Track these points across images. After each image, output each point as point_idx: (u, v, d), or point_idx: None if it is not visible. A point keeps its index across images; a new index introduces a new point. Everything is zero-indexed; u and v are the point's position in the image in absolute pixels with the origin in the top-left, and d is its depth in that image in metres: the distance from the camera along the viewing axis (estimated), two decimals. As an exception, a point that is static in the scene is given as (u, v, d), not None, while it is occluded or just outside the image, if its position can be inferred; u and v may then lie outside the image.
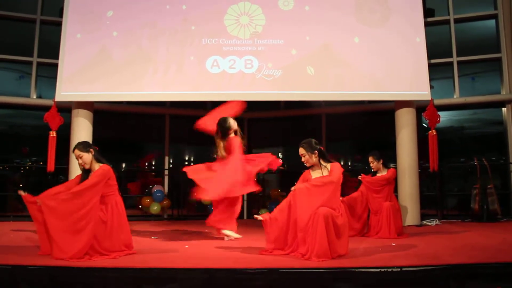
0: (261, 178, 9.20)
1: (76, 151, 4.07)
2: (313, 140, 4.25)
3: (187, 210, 8.95)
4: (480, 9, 8.37)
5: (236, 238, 5.26)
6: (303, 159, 4.24)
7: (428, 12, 8.19)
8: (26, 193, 3.93)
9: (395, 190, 7.34)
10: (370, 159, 5.92)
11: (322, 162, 4.19)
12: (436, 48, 8.00)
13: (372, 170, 5.98)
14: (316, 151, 4.18)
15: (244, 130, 9.22)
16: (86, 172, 4.10)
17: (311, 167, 4.25)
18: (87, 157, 4.06)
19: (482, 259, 3.63)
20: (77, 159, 4.09)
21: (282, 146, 9.62)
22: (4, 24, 8.33)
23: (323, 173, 4.15)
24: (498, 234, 5.45)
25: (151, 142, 9.54)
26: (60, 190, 3.99)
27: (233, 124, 5.46)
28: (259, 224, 7.29)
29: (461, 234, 5.60)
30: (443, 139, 7.77)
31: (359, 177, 5.97)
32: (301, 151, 4.23)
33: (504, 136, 8.02)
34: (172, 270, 3.31)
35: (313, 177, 4.18)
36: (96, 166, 4.06)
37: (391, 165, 6.27)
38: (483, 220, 7.13)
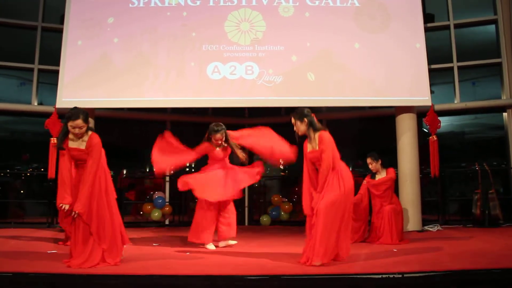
0: (262, 184, 9.21)
1: (80, 121, 3.79)
2: (306, 109, 4.16)
3: (188, 217, 8.92)
4: (480, 15, 8.39)
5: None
6: (294, 128, 4.18)
7: (428, 17, 8.21)
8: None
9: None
10: (369, 160, 5.91)
11: (311, 131, 4.10)
12: (436, 53, 8.01)
13: (372, 172, 5.96)
14: (305, 119, 4.09)
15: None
16: (65, 135, 3.87)
17: (307, 137, 4.15)
18: (85, 128, 3.88)
19: (484, 264, 3.62)
20: (74, 129, 3.80)
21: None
22: (6, 31, 8.37)
23: (311, 144, 4.08)
24: (500, 240, 5.44)
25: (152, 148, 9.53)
26: (69, 183, 3.83)
27: None
28: (260, 230, 7.29)
29: (462, 240, 5.59)
30: (444, 144, 7.77)
31: (364, 182, 5.96)
32: (292, 120, 4.18)
33: (505, 141, 8.01)
34: (173, 277, 3.31)
35: (308, 150, 4.12)
36: (86, 136, 3.90)
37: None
38: (484, 225, 7.11)
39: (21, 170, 8.73)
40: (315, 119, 4.16)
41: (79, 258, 3.63)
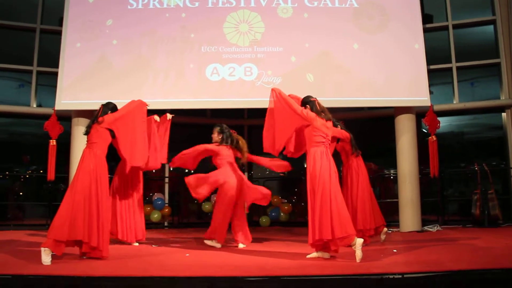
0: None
1: None
2: (309, 97, 4.69)
3: (188, 218, 8.93)
4: (479, 15, 8.39)
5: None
6: None
7: (426, 18, 8.22)
8: None
9: (396, 196, 7.34)
10: None
11: None
12: (435, 54, 8.01)
13: None
14: (307, 105, 4.60)
15: (245, 137, 9.22)
16: None
17: None
18: None
19: (484, 264, 3.62)
20: None
21: (282, 153, 9.60)
22: (4, 34, 8.37)
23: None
24: (499, 239, 5.44)
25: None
26: None
27: None
28: (259, 231, 7.28)
29: (462, 240, 5.59)
30: (443, 144, 7.77)
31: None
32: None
33: (504, 141, 8.02)
34: (173, 278, 3.30)
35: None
36: None
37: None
38: (484, 226, 7.11)
39: (20, 172, 8.71)
40: (315, 103, 4.61)
41: None
